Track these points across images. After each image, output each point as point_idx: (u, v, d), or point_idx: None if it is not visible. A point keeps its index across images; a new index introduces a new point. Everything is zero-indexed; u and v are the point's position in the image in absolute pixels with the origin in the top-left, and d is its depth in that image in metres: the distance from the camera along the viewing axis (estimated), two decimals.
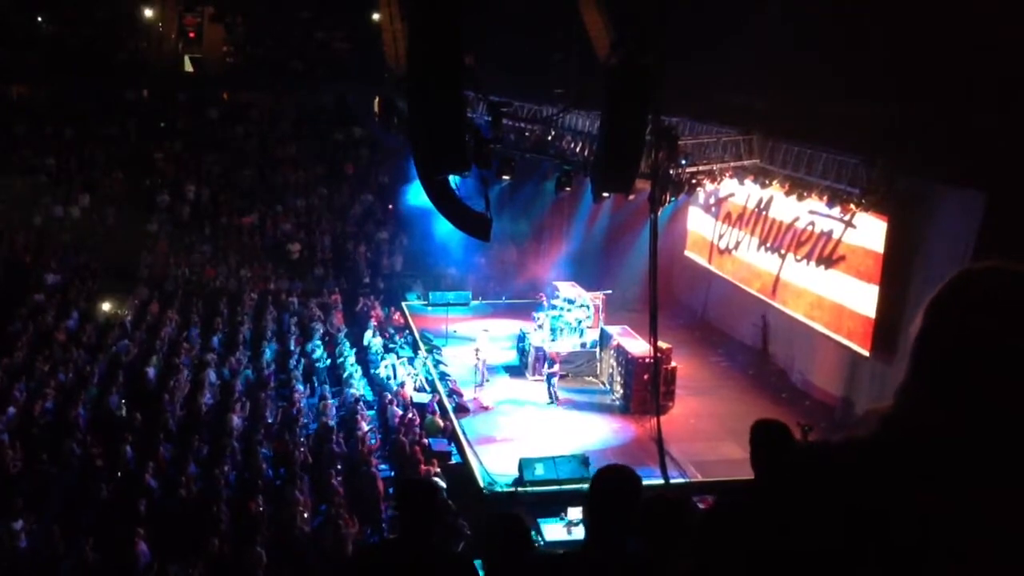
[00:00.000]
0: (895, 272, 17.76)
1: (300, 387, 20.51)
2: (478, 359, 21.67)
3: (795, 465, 1.54)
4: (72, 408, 18.41)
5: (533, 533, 15.11)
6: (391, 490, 16.72)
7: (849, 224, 19.36)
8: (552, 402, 21.00)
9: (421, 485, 4.35)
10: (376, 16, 35.42)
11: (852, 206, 18.66)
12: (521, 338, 23.47)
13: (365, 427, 18.64)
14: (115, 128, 33.13)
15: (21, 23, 33.65)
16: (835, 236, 19.99)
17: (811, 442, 1.50)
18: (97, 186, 30.69)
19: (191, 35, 36.72)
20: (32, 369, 20.50)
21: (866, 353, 18.71)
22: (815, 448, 1.57)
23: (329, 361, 22.64)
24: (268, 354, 22.52)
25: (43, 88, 33.64)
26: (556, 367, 21.27)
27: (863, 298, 18.90)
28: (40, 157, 31.24)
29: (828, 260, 20.23)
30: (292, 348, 22.99)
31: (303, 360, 22.46)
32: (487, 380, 21.63)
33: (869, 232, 18.76)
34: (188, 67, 36.84)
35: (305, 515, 14.98)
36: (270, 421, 18.70)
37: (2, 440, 16.75)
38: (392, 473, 17.55)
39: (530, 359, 22.30)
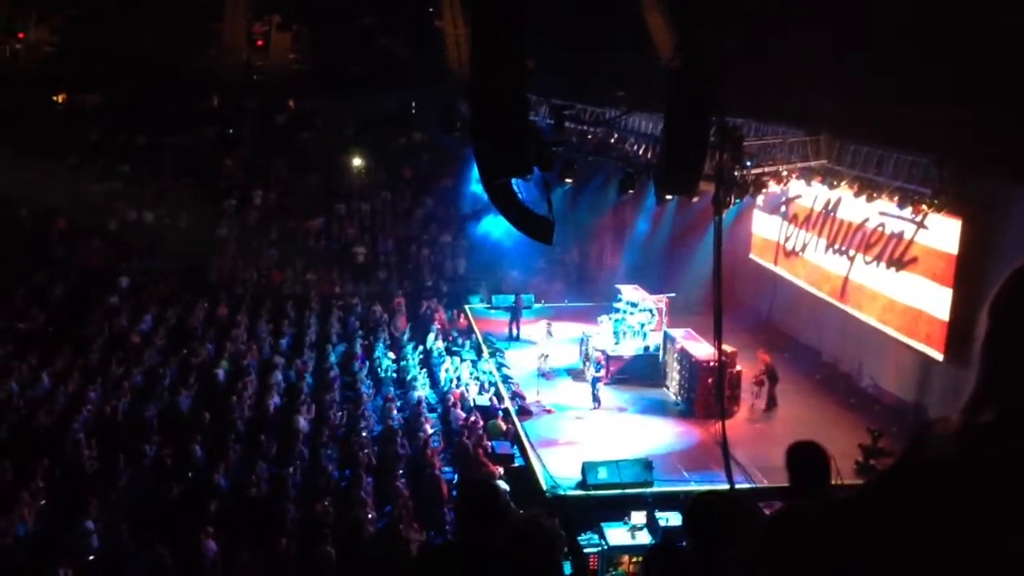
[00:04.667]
0: (969, 274, 17.28)
1: (365, 389, 20.75)
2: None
3: (875, 488, 1.52)
4: (145, 409, 18.88)
5: (596, 537, 15.11)
6: (454, 492, 16.83)
7: (921, 225, 18.90)
8: (596, 406, 20.72)
9: (481, 486, 4.29)
10: (439, 22, 35.77)
11: (924, 207, 18.21)
12: (583, 341, 23.41)
13: (429, 429, 18.77)
14: (186, 135, 33.94)
15: (94, 33, 34.60)
16: (906, 237, 19.54)
17: (890, 464, 1.46)
18: (169, 192, 31.45)
19: (259, 43, 37.37)
20: (107, 370, 21.07)
21: (939, 357, 18.24)
22: (894, 471, 1.55)
23: (393, 364, 22.85)
24: (333, 357, 22.82)
25: (116, 97, 34.59)
26: (602, 372, 21.00)
27: (936, 301, 18.43)
28: (115, 164, 32.15)
29: (899, 262, 19.78)
30: (357, 351, 23.26)
31: (367, 363, 22.72)
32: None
33: (942, 233, 18.29)
34: (256, 75, 37.49)
35: (371, 516, 15.14)
36: (336, 423, 18.94)
37: (79, 440, 17.25)
38: (455, 476, 17.65)
39: (591, 360, 22.22)
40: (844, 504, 1.58)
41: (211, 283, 28.55)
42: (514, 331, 25.62)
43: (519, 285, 28.75)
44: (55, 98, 35.76)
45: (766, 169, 20.30)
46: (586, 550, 14.95)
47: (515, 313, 25.94)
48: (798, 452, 4.21)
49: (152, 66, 33.01)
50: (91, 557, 14.04)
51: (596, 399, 20.79)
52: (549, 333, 23.26)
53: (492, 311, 27.46)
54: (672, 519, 15.06)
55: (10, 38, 34.74)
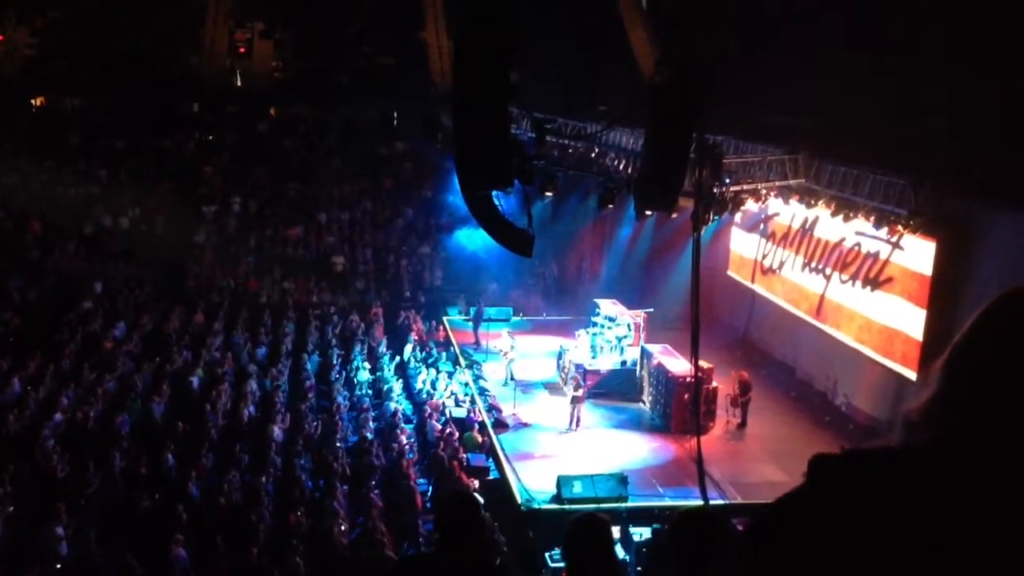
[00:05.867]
0: (944, 296, 17.43)
1: (341, 400, 20.65)
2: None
3: (831, 474, 1.54)
4: (117, 415, 18.69)
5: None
6: (428, 504, 16.76)
7: (896, 246, 19.08)
8: (570, 428, 20.34)
9: (464, 498, 4.30)
10: (422, 33, 35.87)
11: (900, 227, 18.40)
12: (560, 355, 23.41)
13: (404, 440, 18.70)
14: (165, 140, 33.77)
15: (76, 37, 34.42)
16: (882, 257, 19.71)
17: (846, 450, 1.49)
18: (147, 197, 31.24)
19: (241, 50, 37.28)
20: (79, 376, 20.84)
21: (913, 377, 18.38)
22: (849, 456, 1.57)
23: (370, 374, 22.76)
24: (310, 366, 22.70)
25: (96, 100, 34.39)
26: (581, 392, 20.69)
27: (911, 321, 18.59)
28: (93, 168, 31.90)
29: (875, 282, 19.94)
30: (333, 361, 23.16)
31: (344, 373, 22.61)
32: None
33: (917, 254, 18.46)
34: (238, 81, 37.39)
35: (343, 527, 15.04)
36: (310, 433, 18.83)
37: (48, 446, 17.04)
38: (430, 488, 17.58)
39: (568, 376, 22.22)
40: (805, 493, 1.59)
41: (188, 290, 28.35)
42: (481, 341, 25.69)
43: (497, 297, 28.76)
44: (34, 101, 35.48)
45: (745, 187, 20.46)
46: (557, 564, 14.90)
47: (476, 323, 26.07)
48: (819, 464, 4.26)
49: (133, 71, 32.87)
50: (59, 565, 13.86)
51: (574, 421, 20.41)
52: (511, 335, 23.37)
53: (469, 323, 27.45)
54: (647, 534, 15.05)
55: None
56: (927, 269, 18.08)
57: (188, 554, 13.84)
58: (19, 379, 20.35)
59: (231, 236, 30.80)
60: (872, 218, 18.89)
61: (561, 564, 14.71)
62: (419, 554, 13.04)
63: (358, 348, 24.33)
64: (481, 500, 16.02)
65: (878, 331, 19.81)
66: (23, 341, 23.31)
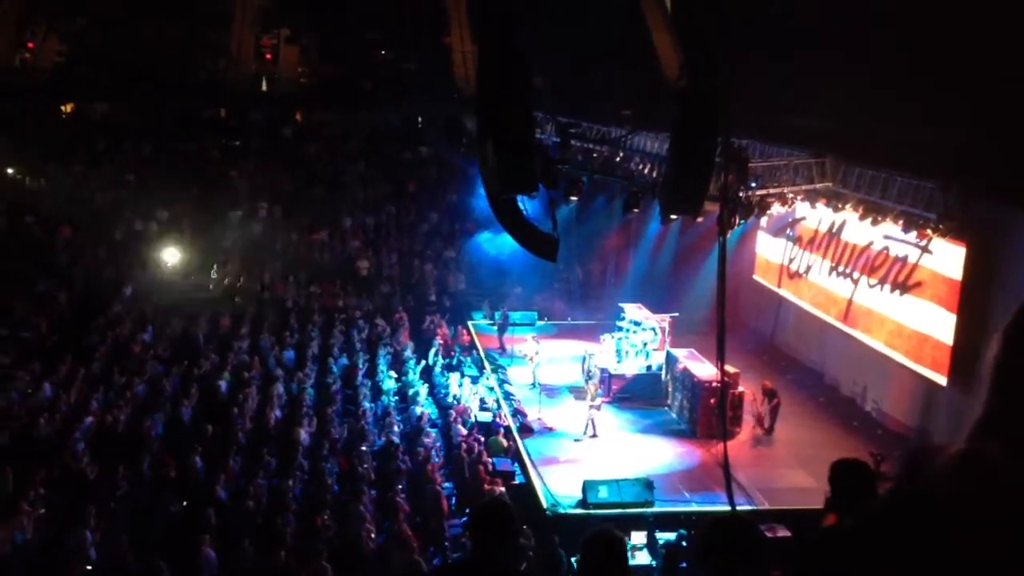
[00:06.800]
0: (974, 300, 17.25)
1: (366, 404, 20.72)
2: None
3: (876, 515, 1.53)
4: (146, 419, 18.85)
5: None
6: (454, 508, 16.77)
7: (925, 250, 18.90)
8: (582, 436, 20.10)
9: (499, 507, 4.32)
10: (447, 37, 35.96)
11: (928, 232, 18.22)
12: (584, 359, 23.36)
13: (429, 444, 18.73)
14: (192, 146, 34.04)
15: (104, 43, 34.76)
16: (911, 261, 19.53)
17: (891, 491, 1.48)
18: (174, 202, 31.47)
19: (267, 56, 37.56)
20: (109, 380, 21.04)
21: (943, 382, 18.20)
22: (895, 498, 1.56)
23: (395, 378, 22.81)
24: (335, 370, 22.79)
25: (124, 106, 34.72)
26: (599, 401, 20.48)
27: (941, 325, 18.40)
28: (121, 173, 32.21)
29: (904, 286, 19.77)
30: (359, 365, 23.23)
31: (369, 377, 22.69)
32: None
33: (946, 259, 18.29)
34: (264, 87, 37.64)
35: (372, 533, 15.07)
36: (336, 437, 18.90)
37: (78, 449, 17.21)
38: (455, 491, 17.59)
39: (594, 381, 22.13)
40: (849, 531, 1.59)
41: (215, 293, 28.55)
42: (506, 346, 25.67)
43: (521, 302, 28.74)
44: (63, 107, 35.87)
45: (771, 190, 20.35)
46: None
47: (501, 328, 26.12)
48: (839, 469, 4.28)
49: (160, 77, 33.17)
50: (89, 567, 13.99)
51: (589, 429, 20.21)
52: (535, 340, 23.39)
53: (494, 328, 27.44)
54: (672, 538, 14.99)
55: (18, 47, 34.86)
56: (957, 273, 17.91)
57: (216, 555, 13.93)
58: (50, 383, 20.57)
59: (257, 240, 30.99)
60: (900, 222, 18.72)
61: None
62: (452, 562, 13.04)
63: (384, 352, 24.40)
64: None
65: (908, 336, 19.63)
66: (54, 345, 23.56)
